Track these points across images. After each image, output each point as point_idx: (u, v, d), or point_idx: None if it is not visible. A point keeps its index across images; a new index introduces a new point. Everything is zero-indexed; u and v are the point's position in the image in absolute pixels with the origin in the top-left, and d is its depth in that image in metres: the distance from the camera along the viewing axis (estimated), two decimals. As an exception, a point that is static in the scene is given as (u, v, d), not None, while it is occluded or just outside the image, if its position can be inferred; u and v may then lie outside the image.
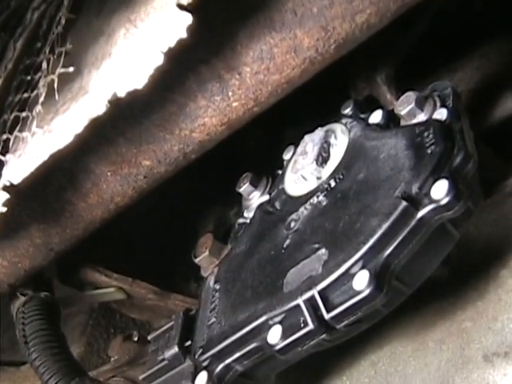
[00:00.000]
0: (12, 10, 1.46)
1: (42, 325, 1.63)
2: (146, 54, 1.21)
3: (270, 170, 1.64)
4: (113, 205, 1.56)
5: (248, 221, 1.57)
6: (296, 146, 1.55)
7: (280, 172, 1.58)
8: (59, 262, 1.76)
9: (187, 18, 1.16)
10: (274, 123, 1.75)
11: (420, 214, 1.20)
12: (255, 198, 1.59)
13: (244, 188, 1.60)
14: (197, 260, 1.63)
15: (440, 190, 1.19)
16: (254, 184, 1.60)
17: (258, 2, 1.28)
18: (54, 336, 1.63)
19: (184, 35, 1.16)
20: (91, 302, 2.02)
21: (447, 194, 1.18)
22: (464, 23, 1.78)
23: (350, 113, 1.51)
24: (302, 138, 1.52)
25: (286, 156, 1.59)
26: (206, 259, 1.61)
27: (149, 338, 1.55)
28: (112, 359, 1.86)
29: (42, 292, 1.72)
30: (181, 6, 1.16)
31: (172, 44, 1.17)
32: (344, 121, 1.49)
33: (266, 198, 1.56)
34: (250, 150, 1.93)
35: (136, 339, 1.85)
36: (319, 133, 1.48)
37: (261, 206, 1.55)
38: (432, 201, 1.20)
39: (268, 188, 1.59)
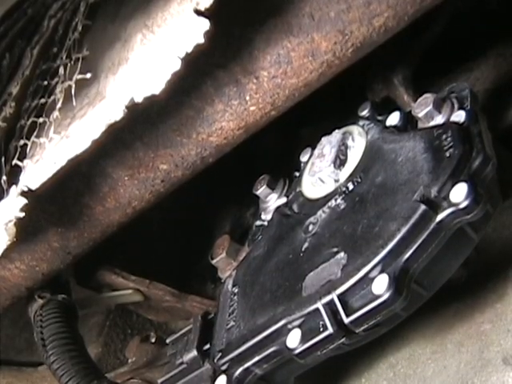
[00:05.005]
0: (29, 18, 1.46)
1: (60, 328, 1.64)
2: (164, 59, 1.21)
3: (286, 170, 1.64)
4: (130, 209, 1.56)
5: (265, 223, 1.57)
6: (313, 148, 1.54)
7: (297, 174, 1.58)
8: (77, 264, 1.76)
9: (205, 24, 1.15)
10: (290, 123, 1.74)
11: (439, 217, 1.20)
12: (272, 201, 1.59)
13: (261, 190, 1.60)
14: (214, 261, 1.64)
15: (459, 193, 1.18)
16: (271, 186, 1.59)
17: (275, 7, 1.28)
18: (71, 339, 1.63)
19: (201, 40, 1.16)
20: (108, 304, 2.02)
21: (466, 198, 1.18)
22: (479, 22, 1.76)
23: (367, 115, 1.50)
24: (319, 139, 1.51)
25: (303, 158, 1.58)
26: (222, 260, 1.62)
27: (167, 341, 1.55)
28: (129, 361, 1.85)
29: (60, 295, 1.72)
30: (198, 12, 1.16)
31: (189, 49, 1.17)
32: (361, 123, 1.48)
33: (284, 200, 1.56)
34: (265, 150, 1.92)
35: (153, 341, 1.84)
36: (336, 135, 1.47)
37: (278, 208, 1.55)
38: (451, 204, 1.19)
39: (285, 190, 1.59)
